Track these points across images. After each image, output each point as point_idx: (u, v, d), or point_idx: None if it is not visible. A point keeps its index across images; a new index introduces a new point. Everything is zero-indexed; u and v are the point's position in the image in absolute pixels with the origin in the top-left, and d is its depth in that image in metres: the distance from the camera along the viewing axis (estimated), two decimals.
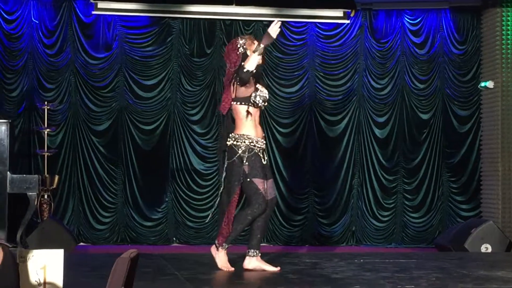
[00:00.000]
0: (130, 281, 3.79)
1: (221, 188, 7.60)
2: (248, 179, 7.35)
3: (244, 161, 7.35)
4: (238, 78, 7.34)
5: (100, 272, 7.03)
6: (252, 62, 7.26)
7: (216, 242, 7.46)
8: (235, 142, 7.40)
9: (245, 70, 7.24)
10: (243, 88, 7.39)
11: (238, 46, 7.51)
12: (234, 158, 7.36)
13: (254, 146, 7.40)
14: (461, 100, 13.18)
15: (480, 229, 11.14)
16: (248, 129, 7.42)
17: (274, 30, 7.27)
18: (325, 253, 10.06)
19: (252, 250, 7.48)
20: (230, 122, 7.52)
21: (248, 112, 7.42)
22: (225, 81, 7.61)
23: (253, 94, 7.40)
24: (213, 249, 7.51)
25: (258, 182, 7.36)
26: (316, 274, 7.35)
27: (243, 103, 7.42)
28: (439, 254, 10.90)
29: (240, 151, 7.36)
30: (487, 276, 7.25)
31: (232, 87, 7.44)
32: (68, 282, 4.94)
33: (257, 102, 7.41)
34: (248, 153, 7.37)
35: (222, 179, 7.50)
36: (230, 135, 7.44)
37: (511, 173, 11.80)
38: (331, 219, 13.00)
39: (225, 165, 7.43)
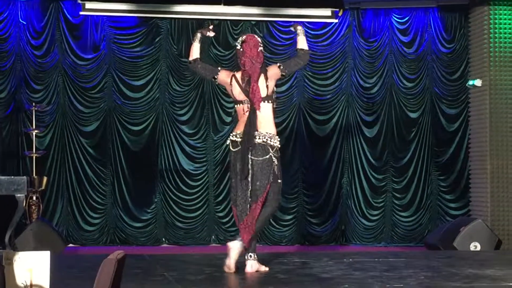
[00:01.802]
0: (116, 283, 3.77)
1: (237, 184, 7.44)
2: (279, 180, 7.40)
3: (275, 161, 7.39)
4: (283, 75, 7.56)
5: (88, 273, 6.98)
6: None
7: (244, 243, 7.30)
8: (268, 141, 7.39)
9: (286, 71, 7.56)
10: (274, 86, 7.49)
11: (260, 44, 7.60)
12: (267, 156, 7.36)
13: (279, 146, 7.49)
14: (450, 99, 13.21)
15: (469, 228, 11.15)
16: (275, 128, 7.49)
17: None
18: (314, 253, 10.05)
19: (254, 254, 7.42)
20: (255, 119, 7.41)
21: (275, 110, 7.54)
22: (253, 76, 7.49)
23: (274, 93, 7.51)
24: (235, 245, 7.32)
25: (281, 184, 7.45)
26: (305, 274, 7.35)
27: (270, 101, 7.46)
28: (428, 252, 10.91)
29: (272, 151, 7.37)
30: (476, 275, 7.26)
31: (265, 84, 7.45)
32: (55, 284, 4.92)
33: (276, 100, 7.51)
34: (277, 154, 7.45)
35: (250, 177, 7.38)
36: (259, 132, 7.38)
37: (499, 171, 11.82)
38: (321, 218, 13.00)
39: (251, 163, 7.36)
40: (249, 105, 7.41)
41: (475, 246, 11.04)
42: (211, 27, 7.92)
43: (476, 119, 12.38)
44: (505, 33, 11.92)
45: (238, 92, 7.49)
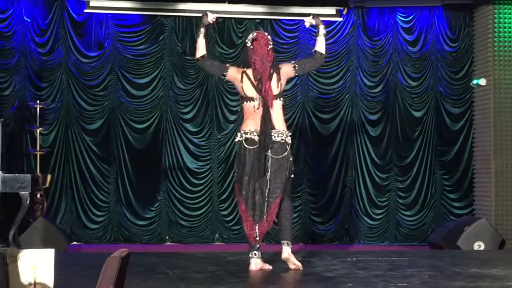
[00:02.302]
0: (120, 281, 3.77)
1: (251, 182, 7.43)
2: (292, 175, 7.48)
3: (291, 158, 7.48)
4: (296, 75, 7.74)
5: (92, 271, 6.98)
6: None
7: (258, 243, 7.41)
8: (286, 139, 7.43)
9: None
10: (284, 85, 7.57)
11: (270, 42, 7.60)
12: (285, 154, 7.40)
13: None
14: (454, 98, 13.19)
15: (473, 227, 11.15)
16: (286, 124, 7.56)
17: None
18: (318, 252, 10.05)
19: (259, 252, 7.47)
20: (270, 117, 7.42)
21: (284, 107, 7.62)
22: (264, 74, 7.49)
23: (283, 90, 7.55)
24: (288, 249, 7.45)
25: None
26: (309, 273, 7.35)
27: (281, 98, 7.52)
28: (432, 252, 10.91)
29: (289, 148, 7.44)
30: (480, 274, 7.25)
31: (277, 82, 7.48)
32: (59, 282, 4.92)
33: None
34: (292, 150, 7.53)
35: (269, 175, 7.39)
36: (276, 130, 7.40)
37: (503, 170, 11.81)
38: (324, 217, 13.00)
39: (270, 161, 7.36)
40: (260, 103, 7.40)
41: (479, 245, 11.03)
42: (210, 15, 7.81)
43: (480, 118, 12.37)
44: (509, 32, 11.90)
45: (249, 89, 7.46)
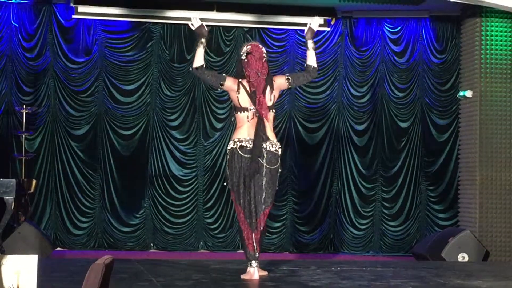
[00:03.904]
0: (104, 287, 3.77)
1: (246, 191, 7.42)
2: (277, 187, 7.51)
3: (280, 169, 7.52)
4: (289, 87, 7.80)
5: (76, 277, 6.98)
6: None
7: (257, 253, 7.42)
8: (278, 150, 7.48)
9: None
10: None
11: (264, 55, 7.62)
12: (277, 165, 7.45)
13: None
14: (440, 109, 13.24)
15: (457, 238, 11.17)
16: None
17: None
18: (302, 261, 10.05)
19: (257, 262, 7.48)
20: (264, 128, 7.42)
21: (275, 117, 7.67)
22: (259, 87, 7.48)
23: None
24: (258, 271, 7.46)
25: None
26: (293, 282, 7.34)
27: (273, 110, 7.55)
28: (416, 262, 10.92)
29: (279, 159, 7.49)
30: (464, 285, 7.27)
31: (270, 94, 7.49)
32: None
33: None
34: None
35: (264, 185, 7.40)
36: (270, 141, 7.42)
37: (488, 182, 11.84)
38: (309, 226, 13.01)
39: (264, 171, 7.36)
40: (254, 113, 7.42)
41: (463, 257, 11.06)
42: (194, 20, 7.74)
43: (466, 130, 12.40)
44: (496, 45, 11.95)
45: (245, 100, 7.47)
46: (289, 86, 7.72)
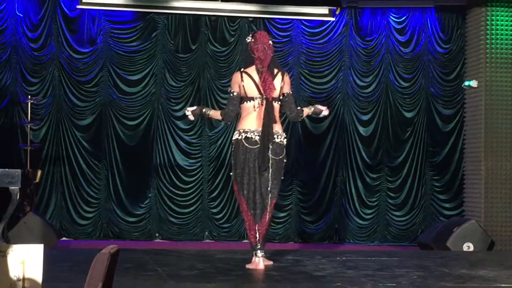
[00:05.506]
0: (109, 277, 3.76)
1: (251, 181, 7.45)
2: (282, 177, 7.55)
3: (285, 160, 7.57)
4: (284, 95, 7.61)
5: (81, 267, 6.96)
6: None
7: (259, 244, 7.43)
8: (283, 141, 7.52)
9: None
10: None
11: (270, 38, 7.67)
12: (283, 155, 7.51)
13: None
14: (445, 99, 13.22)
15: (463, 228, 11.17)
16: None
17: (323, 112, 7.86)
18: (307, 251, 10.06)
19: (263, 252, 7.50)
20: (274, 114, 7.45)
21: (281, 111, 7.69)
22: (265, 60, 7.49)
23: None
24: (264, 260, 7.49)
25: None
26: (298, 272, 7.35)
27: (278, 102, 7.56)
28: (421, 252, 10.93)
29: (285, 150, 7.53)
30: (469, 275, 7.27)
31: (280, 84, 7.50)
32: (48, 278, 4.91)
33: None
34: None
35: (270, 175, 7.41)
36: (276, 131, 7.44)
37: (493, 172, 11.83)
38: (314, 216, 13.01)
39: (271, 161, 7.38)
40: (260, 102, 7.41)
41: (468, 246, 11.05)
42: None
43: (471, 119, 12.39)
44: (501, 34, 11.93)
45: (250, 88, 7.42)
46: (284, 93, 7.62)
